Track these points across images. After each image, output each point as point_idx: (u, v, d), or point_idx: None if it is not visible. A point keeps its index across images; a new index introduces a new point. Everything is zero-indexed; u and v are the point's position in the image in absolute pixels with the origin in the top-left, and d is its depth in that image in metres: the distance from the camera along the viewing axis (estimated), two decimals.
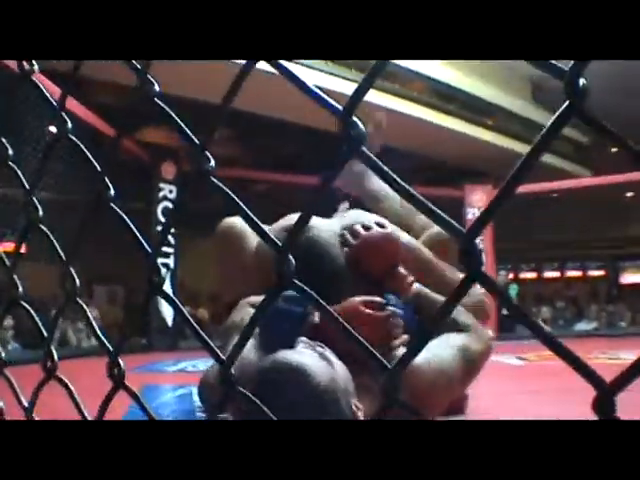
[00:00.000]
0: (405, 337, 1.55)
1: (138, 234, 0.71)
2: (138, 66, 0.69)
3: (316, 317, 1.37)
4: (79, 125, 5.63)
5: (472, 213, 9.22)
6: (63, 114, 0.81)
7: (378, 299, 1.52)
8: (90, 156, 0.78)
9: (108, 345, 0.78)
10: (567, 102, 0.40)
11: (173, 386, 3.38)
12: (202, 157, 0.57)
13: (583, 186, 9.72)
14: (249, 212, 0.56)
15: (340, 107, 0.45)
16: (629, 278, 18.16)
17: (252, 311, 1.46)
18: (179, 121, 0.62)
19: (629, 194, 12.53)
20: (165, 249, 7.44)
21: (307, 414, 1.07)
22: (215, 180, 0.57)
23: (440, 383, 1.54)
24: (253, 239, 1.97)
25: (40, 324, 0.92)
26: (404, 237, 1.92)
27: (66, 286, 0.83)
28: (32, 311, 0.97)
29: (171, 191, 7.84)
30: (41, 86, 0.86)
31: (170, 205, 7.61)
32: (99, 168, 0.77)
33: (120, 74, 6.21)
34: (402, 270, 1.70)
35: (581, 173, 11.06)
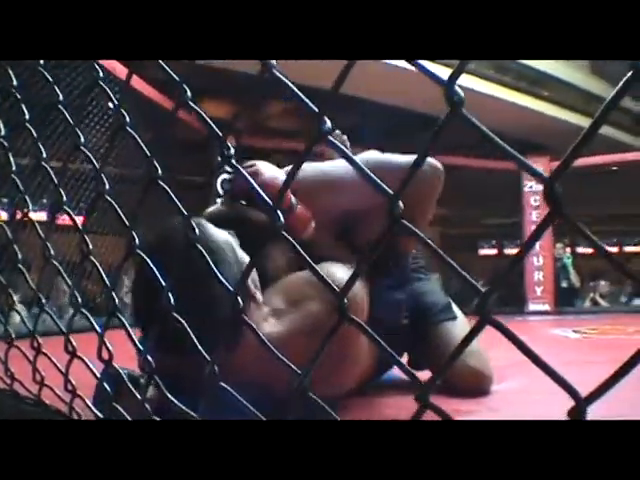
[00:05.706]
0: None
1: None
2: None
3: None
4: (139, 100, 5.71)
5: (529, 186, 9.08)
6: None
7: None
8: (139, 141, 0.86)
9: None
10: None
11: None
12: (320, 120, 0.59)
13: None
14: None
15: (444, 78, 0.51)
16: None
17: None
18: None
19: None
20: None
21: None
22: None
23: None
24: None
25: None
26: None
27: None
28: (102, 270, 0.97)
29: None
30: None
31: (227, 177, 7.69)
32: (148, 153, 0.84)
33: None
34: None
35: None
